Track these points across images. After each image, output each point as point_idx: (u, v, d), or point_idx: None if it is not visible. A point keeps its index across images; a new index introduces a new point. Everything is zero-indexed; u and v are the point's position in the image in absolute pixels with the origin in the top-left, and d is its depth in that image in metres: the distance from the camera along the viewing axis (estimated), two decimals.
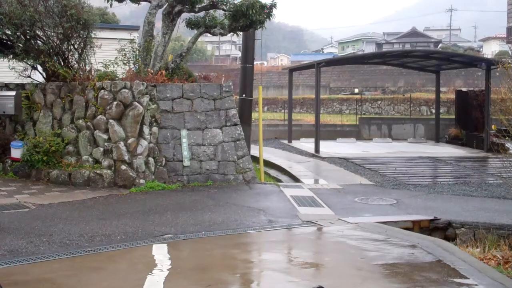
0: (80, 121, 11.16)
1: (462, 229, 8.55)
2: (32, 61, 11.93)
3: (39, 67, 12.32)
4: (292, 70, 25.20)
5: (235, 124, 11.88)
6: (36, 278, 5.63)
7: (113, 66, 11.89)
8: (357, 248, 6.92)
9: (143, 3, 13.33)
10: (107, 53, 12.94)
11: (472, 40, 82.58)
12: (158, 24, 13.17)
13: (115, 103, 10.75)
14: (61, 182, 10.76)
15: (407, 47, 61.47)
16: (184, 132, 11.48)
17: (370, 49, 66.15)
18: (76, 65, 12.11)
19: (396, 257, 6.45)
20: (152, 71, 11.92)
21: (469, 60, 22.43)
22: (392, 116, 31.64)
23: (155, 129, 11.31)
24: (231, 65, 55.44)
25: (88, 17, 11.82)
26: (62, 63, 11.99)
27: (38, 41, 11.87)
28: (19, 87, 11.99)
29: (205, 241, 7.14)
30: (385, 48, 61.72)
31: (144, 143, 10.90)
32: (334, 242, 7.45)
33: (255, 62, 16.48)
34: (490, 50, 56.99)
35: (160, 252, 6.49)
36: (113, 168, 10.69)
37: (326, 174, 13.90)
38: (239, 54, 64.01)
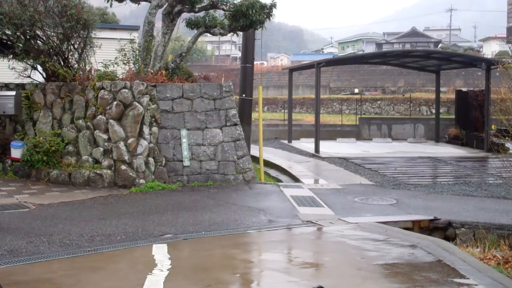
0: (80, 121, 11.16)
1: (462, 229, 8.55)
2: (32, 61, 11.93)
3: (39, 67, 12.31)
4: (292, 70, 25.20)
5: (235, 124, 11.88)
6: (36, 278, 5.63)
7: (113, 66, 11.89)
8: (357, 248, 6.92)
9: (143, 3, 13.33)
10: (107, 53, 12.94)
11: (472, 40, 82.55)
12: (158, 24, 13.17)
13: (115, 103, 10.75)
14: (61, 182, 10.76)
15: (407, 47, 61.39)
16: (184, 132, 11.48)
17: (370, 49, 66.10)
18: (76, 65, 12.11)
19: (396, 257, 6.45)
20: (152, 71, 11.92)
21: (469, 60, 22.42)
22: (392, 116, 31.64)
23: (155, 129, 11.31)
24: (231, 65, 55.41)
25: (88, 17, 11.82)
26: (62, 63, 11.99)
27: (38, 41, 11.87)
28: (19, 87, 11.99)
29: (205, 241, 7.14)
30: (385, 48, 61.67)
31: (144, 143, 10.90)
32: (334, 242, 7.45)
33: (255, 62, 16.48)
34: (490, 50, 56.97)
35: (160, 252, 6.49)
36: (113, 168, 10.69)
37: (326, 174, 13.90)
38: (239, 54, 63.98)
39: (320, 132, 19.26)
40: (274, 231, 7.74)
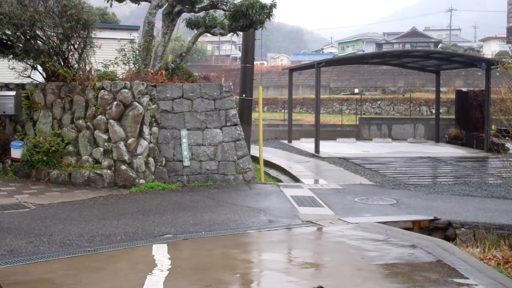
0: (80, 121, 11.16)
1: (462, 229, 8.55)
2: (32, 61, 11.93)
3: (39, 67, 12.31)
4: (292, 70, 25.20)
5: (235, 124, 11.88)
6: (36, 278, 5.63)
7: (113, 66, 11.89)
8: (357, 248, 6.92)
9: (143, 3, 13.33)
10: (107, 53, 12.94)
11: (472, 40, 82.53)
12: (158, 24, 13.17)
13: (115, 103, 10.75)
14: (61, 182, 10.76)
15: (407, 47, 61.44)
16: (184, 132, 11.48)
17: (370, 49, 66.11)
18: (76, 65, 12.11)
19: (396, 257, 6.45)
20: (152, 71, 11.92)
21: (469, 60, 22.43)
22: (392, 116, 31.65)
23: (155, 129, 11.31)
24: (231, 65, 55.44)
25: (88, 17, 11.82)
26: (62, 63, 11.99)
27: (38, 41, 11.87)
28: (19, 87, 11.99)
29: (205, 241, 7.14)
30: (385, 48, 61.70)
31: (144, 143, 10.90)
32: (334, 242, 7.45)
33: (255, 62, 16.48)
34: (490, 50, 56.97)
35: (160, 252, 6.49)
36: (113, 168, 10.69)
37: (326, 174, 13.90)
38: (239, 54, 63.99)
39: (320, 132, 19.27)
40: (274, 231, 7.74)
